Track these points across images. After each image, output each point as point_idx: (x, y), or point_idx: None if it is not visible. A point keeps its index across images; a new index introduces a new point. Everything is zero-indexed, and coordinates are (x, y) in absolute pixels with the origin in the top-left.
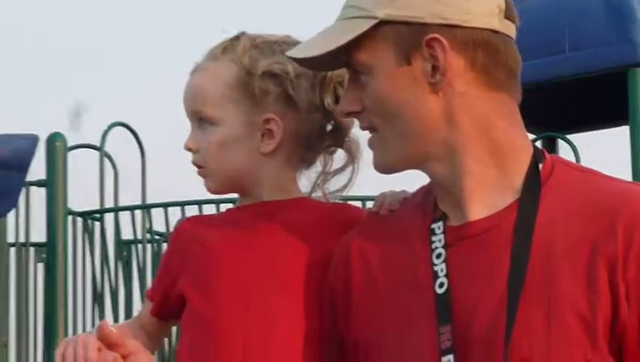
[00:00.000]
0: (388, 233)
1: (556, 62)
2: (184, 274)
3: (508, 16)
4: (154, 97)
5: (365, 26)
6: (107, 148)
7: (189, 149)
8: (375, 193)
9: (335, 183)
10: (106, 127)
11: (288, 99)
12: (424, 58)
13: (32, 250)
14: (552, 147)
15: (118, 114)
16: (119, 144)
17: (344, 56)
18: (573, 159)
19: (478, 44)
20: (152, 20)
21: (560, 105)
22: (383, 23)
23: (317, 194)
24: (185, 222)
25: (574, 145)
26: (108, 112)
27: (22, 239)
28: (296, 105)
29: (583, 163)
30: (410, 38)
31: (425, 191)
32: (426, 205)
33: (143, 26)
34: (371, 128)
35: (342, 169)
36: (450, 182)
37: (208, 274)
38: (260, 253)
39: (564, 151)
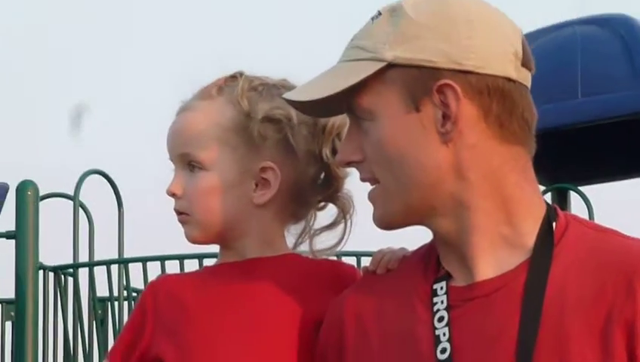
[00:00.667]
0: (385, 293)
1: (568, 108)
2: (161, 338)
3: (524, 63)
4: (131, 142)
5: (372, 68)
6: (81, 197)
7: (173, 195)
8: (370, 248)
9: (323, 240)
10: (80, 175)
11: (287, 146)
12: (434, 105)
13: None
14: (563, 199)
15: (118, 114)
16: (95, 193)
17: (346, 100)
18: (585, 212)
19: (492, 92)
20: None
21: (572, 154)
22: (390, 66)
23: (303, 250)
24: (161, 279)
25: (587, 198)
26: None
27: None
28: (295, 154)
29: (596, 217)
30: (420, 82)
31: (426, 249)
32: (428, 264)
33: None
34: (372, 179)
35: (333, 225)
36: (457, 239)
37: (188, 340)
38: (245, 316)
39: (575, 204)
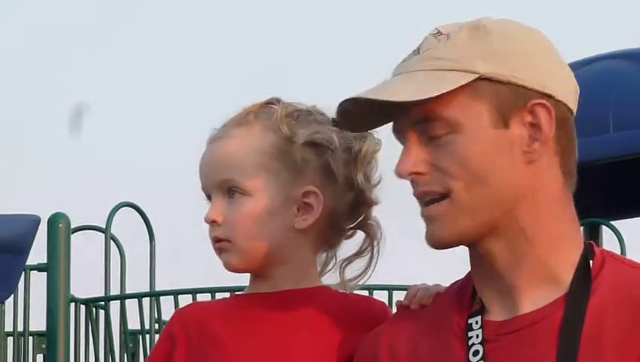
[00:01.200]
0: (419, 329)
1: (600, 143)
2: None
3: (578, 100)
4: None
5: (464, 79)
6: (113, 230)
7: (213, 222)
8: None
9: (350, 270)
10: (112, 208)
11: (328, 171)
12: (524, 123)
13: (31, 339)
14: (595, 234)
15: (118, 114)
16: (127, 226)
17: (416, 110)
18: (617, 247)
19: (564, 122)
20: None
21: (603, 188)
22: (480, 79)
23: (330, 283)
24: (189, 308)
25: (619, 232)
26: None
27: (20, 327)
28: (335, 179)
29: (629, 251)
30: (512, 99)
31: (460, 284)
32: (462, 298)
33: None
34: (436, 193)
35: (360, 253)
36: (505, 266)
37: None
38: (278, 351)
39: (607, 238)
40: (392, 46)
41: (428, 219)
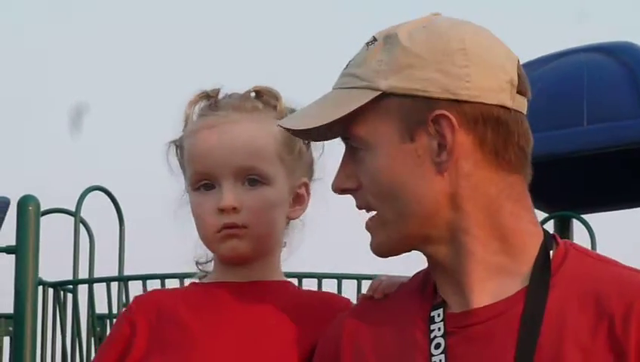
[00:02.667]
0: (382, 319)
1: (573, 135)
2: (156, 354)
3: (520, 90)
4: (134, 160)
5: (365, 97)
6: (83, 213)
7: (233, 209)
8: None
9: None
10: (82, 191)
11: (312, 165)
12: (429, 135)
13: None
14: (565, 228)
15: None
16: (96, 209)
17: (340, 127)
18: (588, 241)
19: (487, 121)
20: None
21: (575, 181)
22: (385, 95)
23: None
24: (147, 295)
25: (590, 226)
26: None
27: None
28: (313, 171)
29: (599, 245)
30: (415, 112)
31: (423, 275)
32: (424, 290)
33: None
34: (368, 208)
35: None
36: (453, 266)
37: (184, 357)
38: (245, 338)
39: (578, 232)
40: None
41: (367, 230)
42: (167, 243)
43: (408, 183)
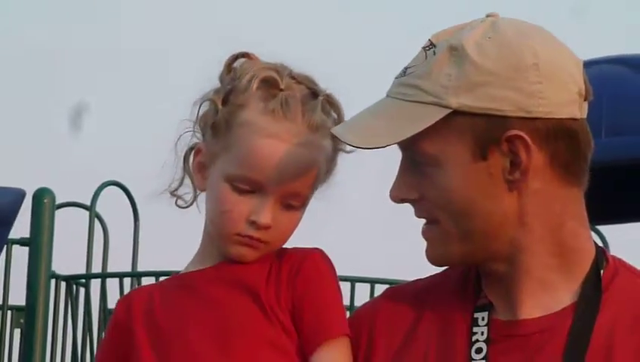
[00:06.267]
0: (421, 309)
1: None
2: (145, 351)
3: (585, 97)
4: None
5: (436, 115)
6: (98, 208)
7: (268, 228)
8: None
9: None
10: (98, 186)
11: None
12: (502, 153)
13: (9, 313)
14: None
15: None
16: (112, 204)
17: (403, 140)
18: None
19: (559, 136)
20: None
21: (591, 193)
22: (455, 113)
23: None
24: (132, 293)
25: (604, 237)
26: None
27: None
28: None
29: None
30: (489, 132)
31: (459, 272)
32: (465, 287)
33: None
34: (430, 219)
35: None
36: (507, 278)
37: (169, 354)
38: (216, 324)
39: None
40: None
41: (423, 238)
42: (181, 240)
43: (477, 201)
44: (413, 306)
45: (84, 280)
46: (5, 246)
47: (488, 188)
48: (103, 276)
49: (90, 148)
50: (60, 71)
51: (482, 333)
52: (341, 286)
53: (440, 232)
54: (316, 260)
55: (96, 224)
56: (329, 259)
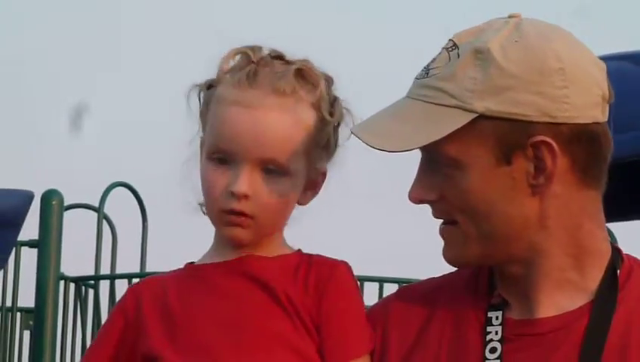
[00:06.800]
0: (433, 307)
1: None
2: (153, 339)
3: (609, 100)
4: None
5: (462, 119)
6: (106, 209)
7: (245, 196)
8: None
9: None
10: (106, 187)
11: (334, 152)
12: (527, 158)
13: (18, 315)
14: None
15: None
16: (120, 205)
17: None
18: None
19: (582, 140)
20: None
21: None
22: (479, 117)
23: None
24: (142, 284)
25: (613, 235)
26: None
27: (8, 303)
28: (331, 157)
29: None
30: (513, 136)
31: (470, 271)
32: (478, 285)
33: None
34: (449, 221)
35: None
36: (523, 280)
37: (185, 344)
38: (233, 318)
39: None
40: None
41: (441, 237)
42: (189, 241)
43: (499, 204)
44: (425, 305)
45: (92, 282)
46: (14, 248)
47: (510, 192)
48: (112, 277)
49: (90, 148)
50: (60, 71)
51: (496, 333)
52: None
53: (458, 233)
54: (346, 273)
55: (105, 225)
56: (353, 274)
